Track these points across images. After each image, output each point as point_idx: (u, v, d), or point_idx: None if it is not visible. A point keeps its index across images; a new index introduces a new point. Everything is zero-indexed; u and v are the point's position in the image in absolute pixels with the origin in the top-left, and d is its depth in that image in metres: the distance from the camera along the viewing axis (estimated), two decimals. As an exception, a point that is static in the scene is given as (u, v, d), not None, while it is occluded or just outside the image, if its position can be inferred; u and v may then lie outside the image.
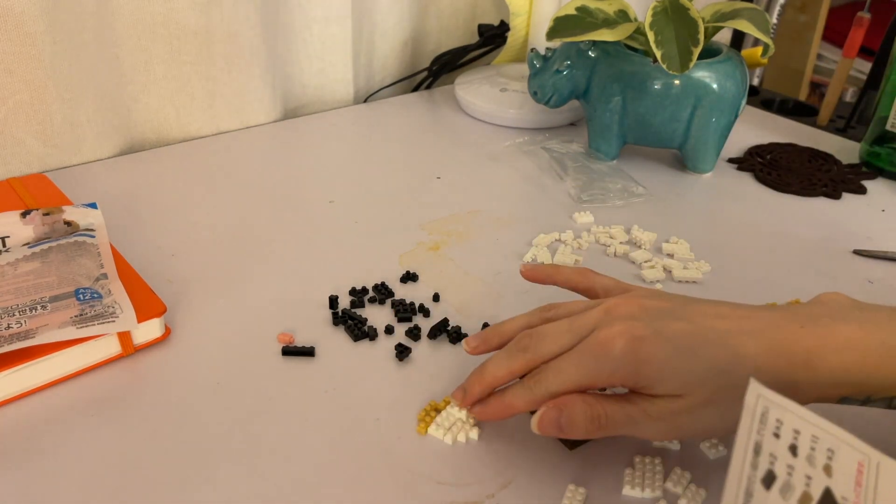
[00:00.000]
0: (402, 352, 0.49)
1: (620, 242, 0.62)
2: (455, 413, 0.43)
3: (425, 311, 0.53)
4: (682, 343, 0.37)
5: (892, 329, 0.37)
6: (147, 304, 0.48)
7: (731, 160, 0.78)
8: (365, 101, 0.91)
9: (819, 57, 1.32)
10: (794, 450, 0.30)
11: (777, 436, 0.30)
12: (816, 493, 0.29)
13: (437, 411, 0.44)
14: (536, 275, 0.48)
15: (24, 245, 0.51)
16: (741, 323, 0.38)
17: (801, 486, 0.29)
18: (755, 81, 1.20)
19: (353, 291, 0.55)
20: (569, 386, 0.38)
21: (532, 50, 0.76)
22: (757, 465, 0.30)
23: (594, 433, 0.38)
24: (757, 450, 0.30)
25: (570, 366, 0.38)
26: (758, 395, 0.31)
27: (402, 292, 0.55)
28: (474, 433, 0.43)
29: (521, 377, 0.41)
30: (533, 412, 0.39)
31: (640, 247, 0.62)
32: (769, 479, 0.30)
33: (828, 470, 0.30)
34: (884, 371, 0.36)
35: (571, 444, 0.42)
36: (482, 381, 0.41)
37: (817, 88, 1.34)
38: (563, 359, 0.39)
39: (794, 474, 0.29)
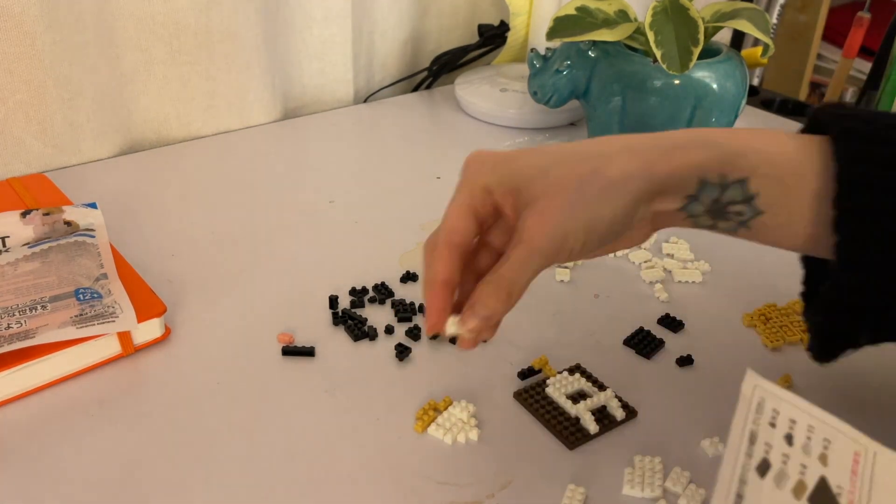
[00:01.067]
0: (402, 352, 0.49)
1: (620, 242, 0.62)
2: (456, 413, 0.43)
3: (425, 312, 0.53)
4: (530, 150, 0.40)
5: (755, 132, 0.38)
6: (147, 304, 0.48)
7: (731, 160, 0.78)
8: (365, 101, 0.91)
9: (819, 57, 1.32)
10: (789, 439, 0.30)
11: (773, 425, 0.30)
12: (811, 482, 0.29)
13: (437, 411, 0.44)
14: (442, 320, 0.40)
15: (24, 245, 0.51)
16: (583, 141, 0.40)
17: (796, 474, 0.29)
18: (755, 81, 1.20)
19: (353, 291, 0.55)
20: (455, 208, 0.39)
21: (532, 50, 0.76)
22: (752, 454, 0.30)
23: (511, 301, 0.38)
24: (752, 439, 0.30)
25: (450, 202, 0.40)
26: (754, 386, 0.31)
27: (402, 292, 0.55)
28: (474, 433, 0.43)
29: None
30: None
31: (639, 247, 0.62)
32: (764, 468, 0.30)
33: (823, 459, 0.30)
34: (735, 143, 0.37)
35: (571, 444, 0.42)
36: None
37: (817, 88, 1.34)
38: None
39: (789, 463, 0.30)
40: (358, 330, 0.50)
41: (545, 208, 0.37)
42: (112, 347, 0.47)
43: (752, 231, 0.38)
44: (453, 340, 0.43)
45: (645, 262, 0.60)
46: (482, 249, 0.42)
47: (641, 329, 0.51)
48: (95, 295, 0.47)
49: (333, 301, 0.53)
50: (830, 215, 0.35)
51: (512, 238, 0.38)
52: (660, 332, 0.52)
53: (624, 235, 0.39)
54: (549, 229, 0.36)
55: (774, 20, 1.24)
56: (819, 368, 0.49)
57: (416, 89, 0.95)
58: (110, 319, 0.45)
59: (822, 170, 0.36)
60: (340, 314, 0.52)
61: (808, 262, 0.44)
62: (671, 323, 0.52)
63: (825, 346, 0.39)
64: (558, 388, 0.45)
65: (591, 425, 0.43)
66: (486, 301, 0.37)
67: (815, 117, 0.39)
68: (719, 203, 0.37)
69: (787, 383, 0.48)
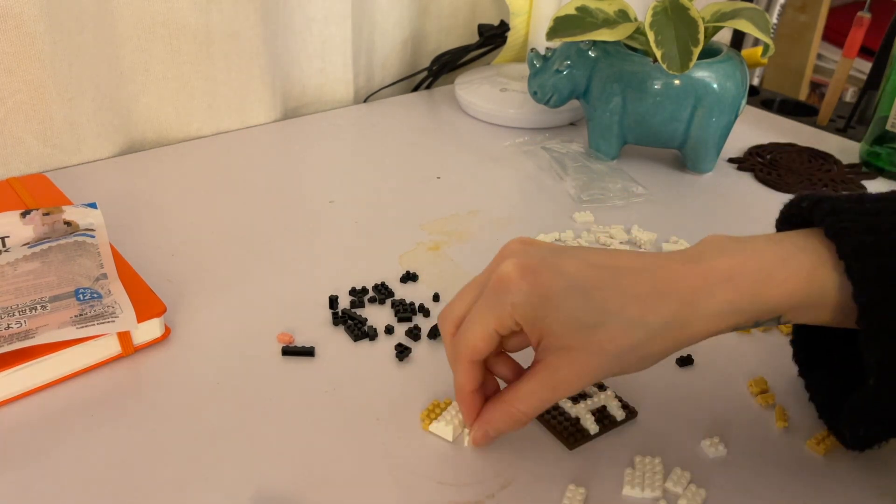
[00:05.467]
0: (402, 352, 0.49)
1: (620, 242, 0.62)
2: (459, 412, 0.43)
3: (425, 311, 0.53)
4: (576, 280, 0.38)
5: (769, 254, 0.38)
6: (147, 304, 0.48)
7: (731, 160, 0.78)
8: (365, 101, 0.91)
9: (819, 57, 1.32)
10: None
11: None
12: None
13: (441, 410, 0.44)
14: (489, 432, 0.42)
15: (24, 245, 0.51)
16: (630, 260, 0.39)
17: None
18: (755, 81, 1.20)
19: (353, 291, 0.55)
20: (481, 331, 0.39)
21: (532, 50, 0.76)
22: None
23: (521, 427, 0.40)
24: None
25: (477, 312, 0.39)
26: None
27: (402, 292, 0.55)
28: (474, 433, 0.43)
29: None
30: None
31: (640, 247, 0.62)
32: None
33: None
34: (764, 296, 0.37)
35: (571, 444, 0.42)
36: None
37: (817, 88, 1.34)
38: (472, 310, 0.40)
39: None
40: (358, 330, 0.50)
41: (586, 365, 0.38)
42: (112, 347, 0.47)
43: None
44: None
45: (645, 262, 0.60)
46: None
47: None
48: (95, 295, 0.47)
49: (333, 301, 0.53)
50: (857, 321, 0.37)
51: (535, 370, 0.39)
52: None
53: None
54: (583, 383, 0.38)
55: (774, 20, 1.24)
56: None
57: (416, 89, 0.95)
58: (110, 319, 0.45)
59: (841, 286, 0.37)
60: (340, 314, 0.52)
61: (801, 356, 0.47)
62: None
63: (860, 444, 0.42)
64: (558, 388, 0.45)
65: (591, 425, 0.43)
66: (497, 425, 0.41)
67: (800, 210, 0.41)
68: (754, 326, 0.39)
69: (764, 388, 0.48)
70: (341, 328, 0.51)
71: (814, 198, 0.40)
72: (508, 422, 0.40)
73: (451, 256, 0.60)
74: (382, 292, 0.54)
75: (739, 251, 0.38)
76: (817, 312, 0.38)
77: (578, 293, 0.37)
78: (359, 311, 0.53)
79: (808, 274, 0.37)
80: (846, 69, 0.86)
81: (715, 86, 0.68)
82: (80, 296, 0.47)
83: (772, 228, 0.44)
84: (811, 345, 0.46)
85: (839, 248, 0.37)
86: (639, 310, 0.37)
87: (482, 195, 0.70)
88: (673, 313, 0.37)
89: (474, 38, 0.96)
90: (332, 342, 0.50)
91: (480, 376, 0.41)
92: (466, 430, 0.43)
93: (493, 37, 0.94)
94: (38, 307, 0.46)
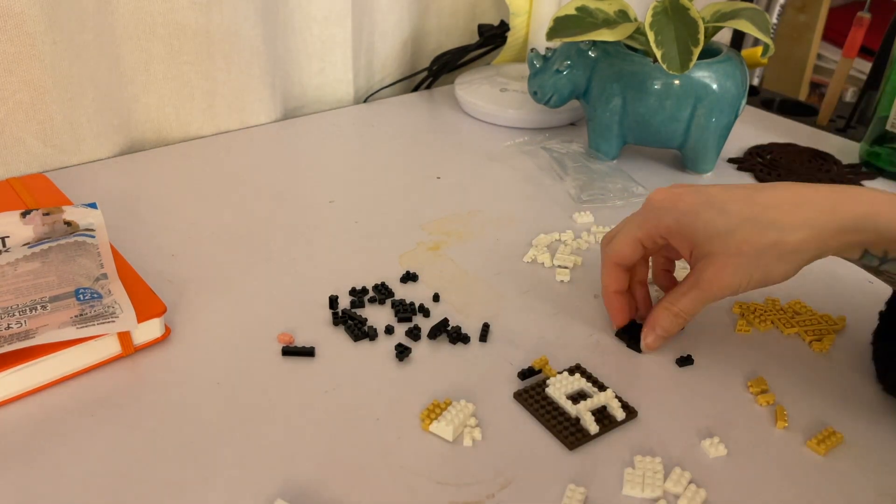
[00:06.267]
0: (402, 352, 0.49)
1: (620, 242, 0.62)
2: (459, 412, 0.43)
3: (425, 311, 0.53)
4: (715, 198, 0.44)
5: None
6: (147, 304, 0.48)
7: (731, 160, 0.78)
8: (365, 101, 0.91)
9: (819, 57, 1.32)
10: None
11: None
12: None
13: (441, 410, 0.44)
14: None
15: (24, 245, 0.51)
16: (766, 186, 0.45)
17: None
18: (755, 81, 1.20)
19: (353, 291, 0.55)
20: (626, 239, 0.47)
21: (532, 50, 0.76)
22: None
23: (683, 325, 0.48)
24: None
25: (626, 224, 0.48)
26: None
27: (402, 292, 0.55)
28: (477, 433, 0.43)
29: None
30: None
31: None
32: None
33: None
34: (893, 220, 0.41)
35: (571, 444, 0.42)
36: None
37: (817, 88, 1.34)
38: (623, 225, 0.49)
39: None
40: (358, 330, 0.50)
41: (725, 265, 0.44)
42: (112, 347, 0.47)
43: None
44: (631, 345, 0.51)
45: (645, 262, 0.60)
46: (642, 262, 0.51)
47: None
48: (95, 295, 0.47)
49: (333, 301, 0.53)
50: None
51: (688, 275, 0.46)
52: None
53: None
54: (725, 283, 0.44)
55: (774, 20, 1.24)
56: (802, 366, 0.49)
57: (416, 89, 0.95)
58: (110, 319, 0.45)
59: None
60: (340, 314, 0.52)
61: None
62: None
63: None
64: (558, 389, 0.45)
65: (592, 425, 0.43)
66: (664, 324, 0.48)
67: None
68: (876, 268, 0.43)
69: (764, 388, 0.48)
70: (341, 328, 0.51)
71: None
72: (672, 320, 0.47)
73: (451, 256, 0.60)
74: (382, 292, 0.54)
75: (876, 191, 0.43)
76: None
77: (715, 207, 0.44)
78: (359, 312, 0.53)
79: None
80: (846, 69, 0.86)
81: (715, 86, 0.68)
82: (81, 296, 0.47)
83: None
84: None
85: None
86: (773, 214, 0.42)
87: (482, 195, 0.70)
88: (809, 218, 0.42)
89: (474, 38, 0.96)
90: (332, 342, 0.50)
91: (623, 281, 0.50)
92: (467, 430, 0.43)
93: (493, 37, 0.94)
94: (39, 307, 0.46)
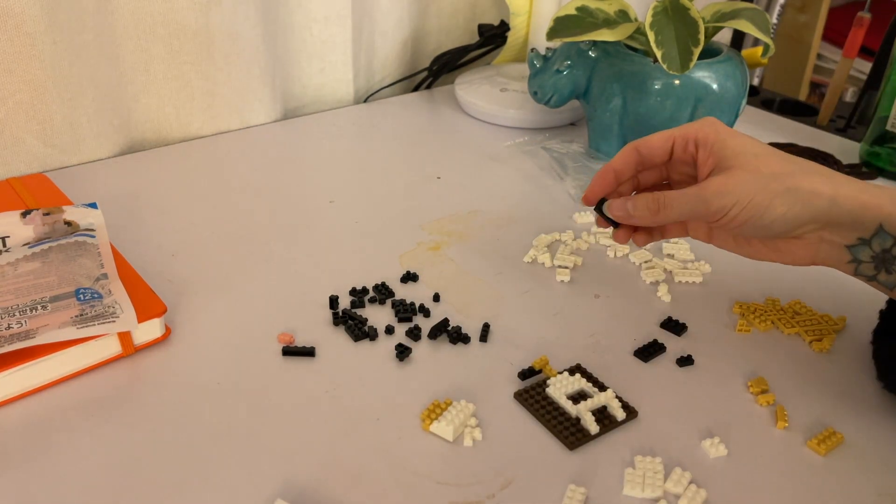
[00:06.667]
0: (402, 352, 0.49)
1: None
2: (460, 412, 0.43)
3: (425, 311, 0.53)
4: (754, 139, 0.45)
5: None
6: (147, 304, 0.48)
7: (731, 160, 0.78)
8: (365, 101, 0.91)
9: (819, 57, 1.32)
10: None
11: None
12: None
13: (441, 410, 0.44)
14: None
15: (25, 245, 0.51)
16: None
17: None
18: (755, 81, 1.20)
19: (353, 291, 0.55)
20: (664, 132, 0.47)
21: (532, 50, 0.76)
22: None
23: (656, 216, 0.46)
24: None
25: (666, 128, 0.48)
26: None
27: (403, 292, 0.55)
28: (478, 433, 0.43)
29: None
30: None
31: (639, 247, 0.62)
32: None
33: None
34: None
35: (571, 444, 0.42)
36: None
37: (817, 88, 1.34)
38: None
39: None
40: (358, 330, 0.50)
41: (733, 175, 0.43)
42: (112, 347, 0.47)
43: None
44: (612, 223, 0.50)
45: (645, 262, 0.60)
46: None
47: (655, 341, 0.51)
48: (96, 295, 0.47)
49: (333, 301, 0.53)
50: None
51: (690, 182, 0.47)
52: (662, 335, 0.52)
53: (782, 244, 0.46)
54: (725, 188, 0.43)
55: (774, 20, 1.24)
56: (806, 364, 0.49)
57: (416, 89, 0.95)
58: (110, 319, 0.45)
59: None
60: (340, 314, 0.52)
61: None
62: (674, 326, 0.52)
63: None
64: (558, 389, 0.45)
65: (592, 425, 0.43)
66: (638, 203, 0.46)
67: None
68: (888, 253, 0.42)
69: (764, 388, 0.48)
70: (341, 328, 0.51)
71: None
72: (650, 204, 0.46)
73: (451, 256, 0.60)
74: (383, 292, 0.54)
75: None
76: None
77: (752, 140, 0.45)
78: (359, 312, 0.53)
79: None
80: (846, 69, 0.86)
81: (715, 86, 0.68)
82: (81, 296, 0.47)
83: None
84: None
85: None
86: (802, 163, 0.43)
87: (482, 195, 0.70)
88: (832, 177, 0.42)
89: (474, 38, 0.96)
90: (333, 342, 0.50)
91: (631, 165, 0.48)
92: (467, 430, 0.43)
93: (493, 37, 0.94)
94: (39, 307, 0.46)
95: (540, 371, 0.48)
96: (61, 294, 0.47)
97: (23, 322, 0.44)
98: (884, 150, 0.76)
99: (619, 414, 0.44)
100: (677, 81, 0.68)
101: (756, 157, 0.44)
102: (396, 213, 0.66)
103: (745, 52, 0.78)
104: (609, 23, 0.69)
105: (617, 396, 0.45)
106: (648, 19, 0.64)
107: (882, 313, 0.49)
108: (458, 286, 0.56)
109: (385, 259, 0.59)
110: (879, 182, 0.75)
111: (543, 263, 0.59)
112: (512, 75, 0.90)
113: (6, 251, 0.50)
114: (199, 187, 0.69)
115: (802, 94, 1.28)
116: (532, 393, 0.46)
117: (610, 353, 0.50)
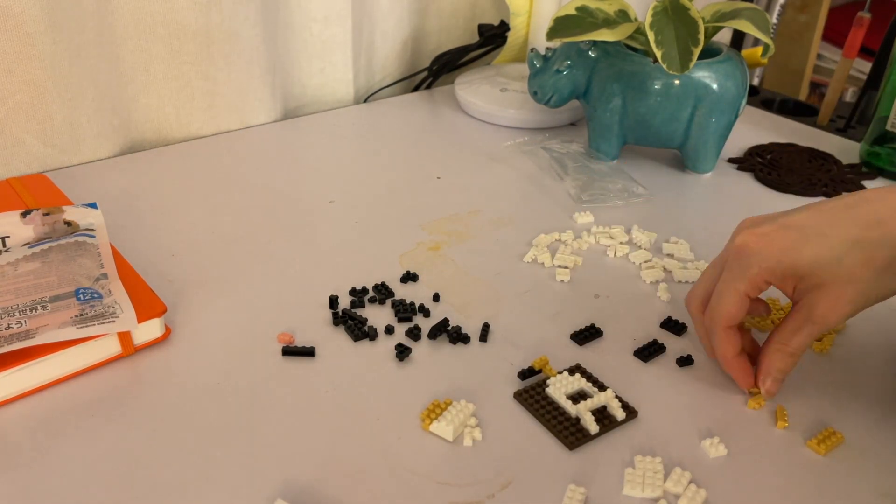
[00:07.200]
0: (402, 352, 0.49)
1: (620, 243, 0.62)
2: (460, 412, 0.43)
3: (425, 311, 0.53)
4: (808, 227, 0.42)
5: None
6: (147, 304, 0.48)
7: (731, 160, 0.78)
8: (365, 101, 0.91)
9: (819, 57, 1.32)
10: None
11: None
12: None
13: (441, 410, 0.44)
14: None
15: (25, 245, 0.51)
16: (850, 198, 0.43)
17: None
18: (755, 81, 1.20)
19: (353, 291, 0.55)
20: (733, 297, 0.43)
21: (532, 50, 0.76)
22: None
23: (795, 364, 0.44)
24: None
25: (725, 282, 0.44)
26: None
27: (403, 292, 0.55)
28: (478, 433, 0.43)
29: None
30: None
31: (640, 247, 0.62)
32: None
33: None
34: None
35: (571, 444, 0.42)
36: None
37: (817, 88, 1.34)
38: (719, 283, 0.44)
39: None
40: (358, 330, 0.50)
41: (840, 295, 0.41)
42: (112, 347, 0.47)
43: None
44: None
45: (645, 262, 0.60)
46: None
47: (655, 341, 0.51)
48: (95, 295, 0.47)
49: (333, 301, 0.53)
50: None
51: (795, 310, 0.43)
52: (662, 335, 0.52)
53: None
54: (842, 312, 0.42)
55: (774, 20, 1.24)
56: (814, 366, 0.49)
57: (416, 89, 0.95)
58: (110, 319, 0.45)
59: None
60: (340, 314, 0.52)
61: None
62: (674, 326, 0.52)
63: None
64: (558, 389, 0.45)
65: (592, 425, 0.43)
66: (780, 366, 0.44)
67: None
68: None
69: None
70: (341, 328, 0.51)
71: None
72: (786, 360, 0.44)
73: (451, 256, 0.60)
74: (382, 292, 0.54)
75: None
76: None
77: (812, 237, 0.41)
78: (359, 312, 0.53)
79: None
80: (846, 69, 0.86)
81: (715, 86, 0.68)
82: (81, 296, 0.47)
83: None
84: None
85: None
86: (879, 231, 0.40)
87: (482, 195, 0.70)
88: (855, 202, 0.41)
89: (474, 38, 0.96)
90: (333, 342, 0.50)
91: (739, 341, 0.45)
92: (467, 430, 0.43)
93: (493, 37, 0.94)
94: (39, 307, 0.46)
95: (540, 371, 0.48)
96: (61, 294, 0.47)
97: (23, 322, 0.44)
98: (884, 150, 0.76)
99: (619, 414, 0.44)
100: (677, 81, 0.68)
101: (838, 263, 0.41)
102: (396, 213, 0.66)
103: (745, 52, 0.78)
104: (609, 23, 0.69)
105: (617, 396, 0.45)
106: (648, 19, 0.64)
107: None
108: (457, 286, 0.56)
109: (385, 259, 0.59)
110: (879, 182, 0.75)
111: (543, 263, 0.59)
112: (512, 75, 0.90)
113: (6, 251, 0.50)
114: (199, 187, 0.69)
115: (802, 94, 1.28)
116: (532, 393, 0.46)
117: (610, 354, 0.50)
